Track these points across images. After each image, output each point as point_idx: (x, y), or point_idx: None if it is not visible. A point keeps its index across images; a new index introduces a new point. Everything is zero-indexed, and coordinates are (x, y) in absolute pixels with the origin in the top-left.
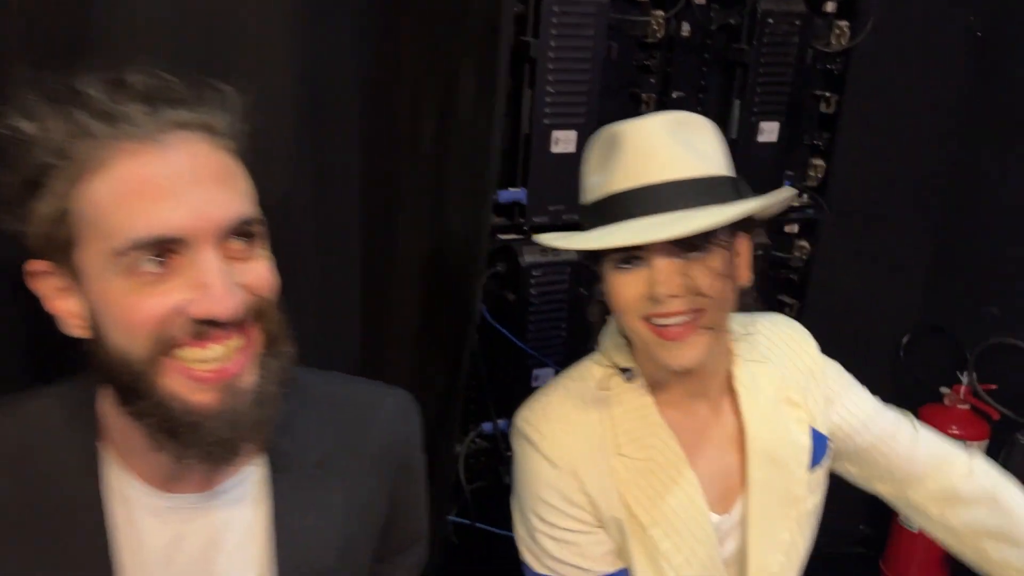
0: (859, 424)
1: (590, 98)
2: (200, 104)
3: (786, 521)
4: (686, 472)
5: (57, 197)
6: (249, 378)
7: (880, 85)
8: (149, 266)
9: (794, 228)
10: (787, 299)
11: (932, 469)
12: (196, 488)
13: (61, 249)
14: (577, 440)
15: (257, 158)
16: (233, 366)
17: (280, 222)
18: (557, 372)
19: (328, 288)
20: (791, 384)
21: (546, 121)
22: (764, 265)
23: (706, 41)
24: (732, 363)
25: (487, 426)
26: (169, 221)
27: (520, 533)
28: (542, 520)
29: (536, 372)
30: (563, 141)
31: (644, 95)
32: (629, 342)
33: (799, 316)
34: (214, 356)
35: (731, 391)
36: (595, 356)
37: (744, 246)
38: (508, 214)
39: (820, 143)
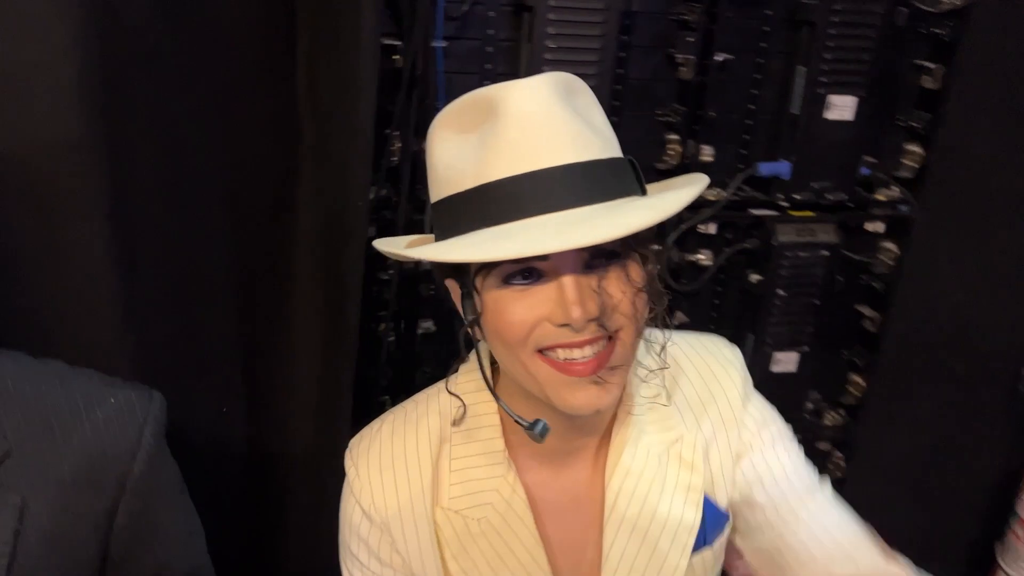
0: (759, 480)
1: (604, 56)
2: None
3: None
4: (531, 544)
5: None
6: None
7: (1003, 55)
8: None
9: (879, 227)
10: (867, 311)
11: (828, 559)
12: None
13: None
14: (397, 486)
15: None
16: None
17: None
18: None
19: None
20: (691, 438)
21: None
22: (833, 267)
23: None
24: (621, 404)
25: None
26: None
27: None
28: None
29: (778, 355)
30: None
31: (680, 57)
32: (495, 373)
33: (882, 332)
34: None
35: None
36: (460, 379)
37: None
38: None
39: (918, 125)
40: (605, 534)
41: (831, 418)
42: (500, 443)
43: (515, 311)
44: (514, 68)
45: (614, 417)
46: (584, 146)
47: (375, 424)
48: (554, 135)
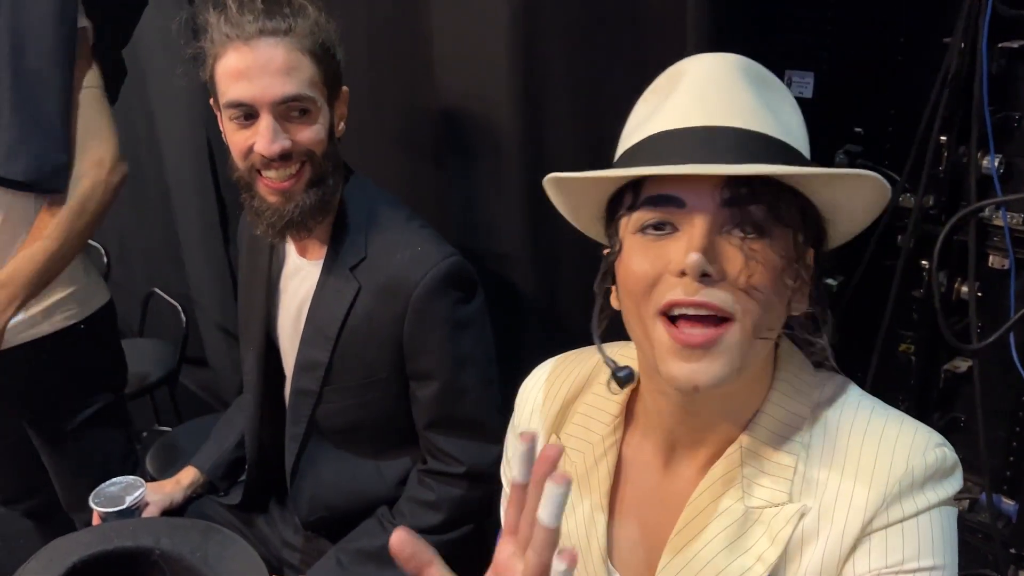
0: None
1: None
2: (283, 17)
3: None
4: (596, 507)
5: (209, 63)
6: (297, 195)
7: None
8: (237, 122)
9: None
10: None
11: None
12: (312, 258)
13: (214, 95)
14: (535, 403)
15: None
16: (285, 184)
17: None
18: None
19: None
20: (791, 510)
21: None
22: None
23: None
24: (756, 414)
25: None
26: (241, 93)
27: None
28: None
29: None
30: None
31: None
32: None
33: None
34: (274, 176)
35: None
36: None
37: (808, 262)
38: None
39: None
40: (664, 554)
41: None
42: (617, 408)
43: (643, 259)
44: None
45: (737, 439)
46: (756, 120)
47: (572, 351)
48: (727, 100)
